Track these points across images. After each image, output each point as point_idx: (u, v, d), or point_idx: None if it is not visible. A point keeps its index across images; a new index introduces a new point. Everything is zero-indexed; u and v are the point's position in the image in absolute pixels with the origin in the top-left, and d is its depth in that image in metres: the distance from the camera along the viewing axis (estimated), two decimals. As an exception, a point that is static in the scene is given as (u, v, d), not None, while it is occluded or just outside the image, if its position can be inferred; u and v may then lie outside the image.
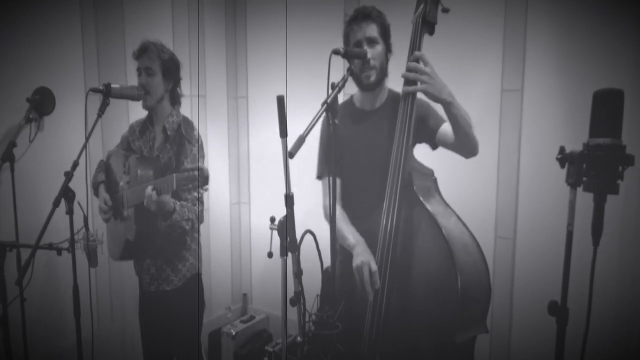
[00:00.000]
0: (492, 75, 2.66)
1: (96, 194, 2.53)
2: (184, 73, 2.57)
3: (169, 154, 2.39)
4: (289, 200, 1.36)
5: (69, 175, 2.08)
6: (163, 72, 2.40)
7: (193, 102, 3.38)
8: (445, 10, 1.72)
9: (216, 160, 3.62)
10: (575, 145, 2.23)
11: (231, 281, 3.91)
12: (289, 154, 1.34)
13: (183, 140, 2.38)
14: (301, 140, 1.41)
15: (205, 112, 3.53)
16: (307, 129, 1.46)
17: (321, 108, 1.55)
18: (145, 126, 2.51)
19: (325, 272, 1.83)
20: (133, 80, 2.54)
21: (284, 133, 1.33)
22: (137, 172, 2.27)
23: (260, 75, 3.63)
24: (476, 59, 2.70)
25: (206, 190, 2.09)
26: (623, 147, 0.92)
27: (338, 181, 1.95)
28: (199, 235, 2.54)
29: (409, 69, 1.69)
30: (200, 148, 2.46)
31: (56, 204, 2.04)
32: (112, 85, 2.21)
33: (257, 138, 3.72)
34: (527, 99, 2.60)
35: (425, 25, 1.71)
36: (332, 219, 1.53)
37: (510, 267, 2.74)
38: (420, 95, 1.90)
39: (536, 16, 2.52)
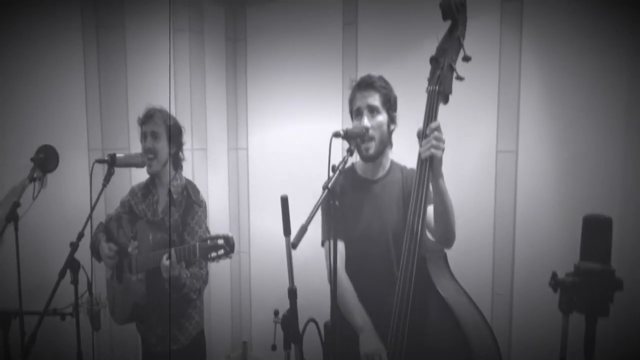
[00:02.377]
0: (488, 136, 2.73)
1: (97, 255, 2.56)
2: (186, 126, 2.61)
3: (174, 217, 2.45)
4: (292, 294, 1.40)
5: (74, 247, 2.12)
6: (168, 136, 2.47)
7: (195, 155, 3.44)
8: (460, 79, 1.71)
9: (216, 210, 3.66)
10: (568, 207, 2.26)
11: (231, 328, 3.91)
12: (292, 245, 1.38)
13: (190, 203, 2.44)
14: (303, 230, 1.45)
15: (206, 164, 3.59)
16: (308, 218, 1.50)
17: (322, 193, 1.60)
18: (147, 189, 2.56)
19: (325, 326, 1.84)
20: (136, 142, 2.60)
21: (287, 231, 1.37)
22: (148, 237, 2.31)
23: (261, 127, 3.70)
24: (472, 121, 2.77)
25: (231, 257, 2.11)
26: (612, 271, 0.97)
27: (342, 244, 1.97)
28: (202, 294, 2.58)
29: (434, 138, 1.64)
30: (204, 210, 2.52)
31: (62, 275, 2.06)
32: (117, 155, 2.26)
33: (257, 188, 3.77)
34: (522, 159, 2.67)
35: (441, 95, 1.70)
36: (333, 280, 1.54)
37: (507, 322, 2.76)
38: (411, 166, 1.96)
39: (529, 80, 2.60)
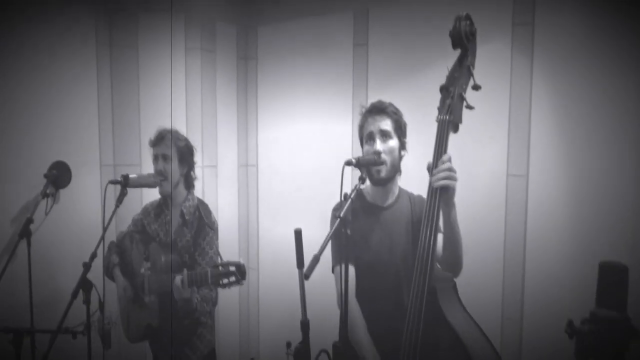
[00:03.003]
0: (498, 160, 2.73)
1: (110, 276, 2.58)
2: (197, 143, 2.63)
3: (187, 237, 2.47)
4: (304, 327, 1.40)
5: (87, 267, 2.14)
6: (179, 158, 2.51)
7: (205, 172, 3.46)
8: (470, 108, 1.71)
9: (226, 226, 3.68)
10: (580, 233, 2.23)
11: (239, 345, 3.91)
12: (304, 276, 1.39)
13: (202, 224, 2.46)
14: (316, 260, 1.46)
15: (216, 181, 3.61)
16: (321, 248, 1.50)
17: (334, 222, 1.61)
18: (161, 209, 2.59)
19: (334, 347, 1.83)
20: (147, 158, 2.63)
21: (300, 264, 1.38)
22: (160, 259, 2.34)
23: (271, 145, 3.72)
24: (482, 144, 2.77)
25: (242, 284, 2.12)
26: (628, 319, 0.97)
27: (352, 270, 1.97)
28: (213, 314, 2.59)
29: (445, 169, 1.64)
30: (216, 231, 2.53)
31: (74, 295, 2.09)
32: (130, 176, 2.29)
33: (267, 204, 3.78)
34: (533, 184, 2.66)
35: (451, 125, 1.70)
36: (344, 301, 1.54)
37: (517, 348, 2.75)
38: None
39: (540, 103, 2.60)
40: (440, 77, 2.83)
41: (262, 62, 3.69)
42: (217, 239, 2.51)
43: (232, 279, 2.06)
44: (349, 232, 1.66)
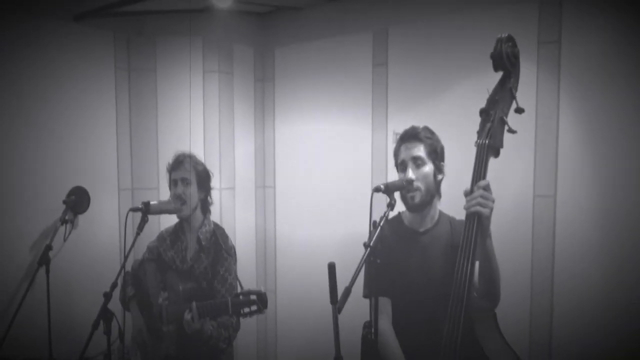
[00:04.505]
0: (524, 180, 2.67)
1: (127, 308, 2.54)
2: (215, 165, 2.61)
3: (204, 264, 2.42)
4: (338, 363, 1.34)
5: (107, 297, 2.10)
6: (198, 182, 2.48)
7: (223, 194, 3.44)
8: (512, 132, 1.66)
9: (244, 249, 3.64)
10: (611, 255, 2.17)
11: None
12: (337, 310, 1.33)
13: (219, 249, 2.42)
14: (347, 293, 1.41)
15: (234, 203, 3.58)
16: (352, 279, 1.46)
17: (365, 251, 1.56)
18: (177, 236, 2.55)
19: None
20: (165, 184, 2.61)
21: (334, 300, 1.33)
22: (178, 287, 2.30)
23: (288, 166, 3.69)
24: (507, 164, 2.70)
25: (264, 313, 2.08)
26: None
27: (387, 301, 1.92)
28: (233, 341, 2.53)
29: (478, 195, 1.61)
30: (234, 256, 2.49)
31: (95, 326, 2.05)
32: (151, 203, 2.26)
33: (285, 228, 3.74)
34: (560, 204, 2.59)
35: (491, 149, 1.65)
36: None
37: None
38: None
39: (567, 123, 2.54)
40: (461, 97, 2.84)
41: (279, 84, 3.67)
42: (235, 264, 2.46)
43: (253, 308, 2.02)
44: (378, 261, 1.60)
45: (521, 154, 2.67)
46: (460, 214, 2.09)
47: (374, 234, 1.58)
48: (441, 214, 2.05)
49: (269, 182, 3.78)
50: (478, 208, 1.59)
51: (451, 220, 2.05)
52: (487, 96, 1.73)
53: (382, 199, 1.90)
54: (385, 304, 1.94)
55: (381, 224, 1.63)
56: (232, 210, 3.57)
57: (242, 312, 2.03)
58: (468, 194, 1.64)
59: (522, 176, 2.67)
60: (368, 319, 2.50)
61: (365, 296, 2.02)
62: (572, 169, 2.55)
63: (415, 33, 2.99)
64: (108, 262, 3.23)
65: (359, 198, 3.28)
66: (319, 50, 3.43)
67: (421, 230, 2.00)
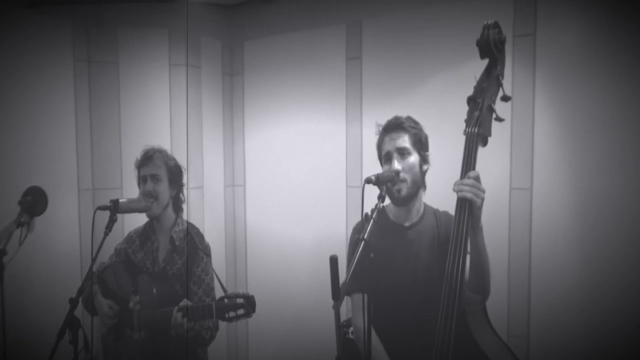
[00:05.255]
0: (501, 173, 2.66)
1: (90, 308, 2.36)
2: (182, 163, 2.50)
3: (177, 265, 2.29)
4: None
5: (74, 303, 1.94)
6: (169, 178, 2.35)
7: (191, 194, 3.29)
8: (500, 120, 1.64)
9: (213, 252, 3.50)
10: (588, 247, 2.17)
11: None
12: (335, 304, 1.25)
13: (195, 249, 2.29)
14: (344, 288, 1.33)
15: (202, 203, 3.44)
16: (347, 273, 1.38)
17: (359, 245, 1.48)
18: (146, 236, 2.40)
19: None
20: (129, 181, 2.46)
21: (336, 295, 1.25)
22: (152, 290, 2.16)
23: (259, 164, 3.59)
24: (484, 158, 2.69)
25: (251, 317, 1.97)
26: None
27: (364, 297, 1.85)
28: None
29: (469, 183, 1.56)
30: (210, 256, 2.37)
31: (61, 335, 1.89)
32: (120, 201, 2.11)
33: (255, 226, 3.62)
34: (537, 197, 2.60)
35: (480, 138, 1.62)
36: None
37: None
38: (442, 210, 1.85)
39: (543, 114, 2.55)
40: (438, 90, 2.81)
41: (248, 78, 3.56)
42: (211, 264, 2.34)
43: (240, 311, 1.91)
44: (372, 255, 1.53)
45: (497, 146, 2.66)
46: (444, 206, 2.07)
47: (367, 226, 1.51)
48: (426, 206, 2.00)
49: (238, 181, 3.66)
50: (469, 195, 1.55)
51: (436, 212, 2.00)
52: (465, 87, 1.71)
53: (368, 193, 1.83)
54: (361, 300, 1.87)
55: (373, 216, 1.56)
56: (201, 210, 3.43)
57: (227, 316, 1.93)
58: (458, 183, 1.59)
59: (498, 169, 2.67)
60: (345, 318, 2.45)
61: (346, 293, 1.95)
62: (548, 160, 2.57)
63: (389, 25, 2.95)
64: (68, 268, 3.03)
65: (334, 194, 3.22)
66: (289, 43, 3.34)
67: (407, 224, 1.94)
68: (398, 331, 1.83)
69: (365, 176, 3.00)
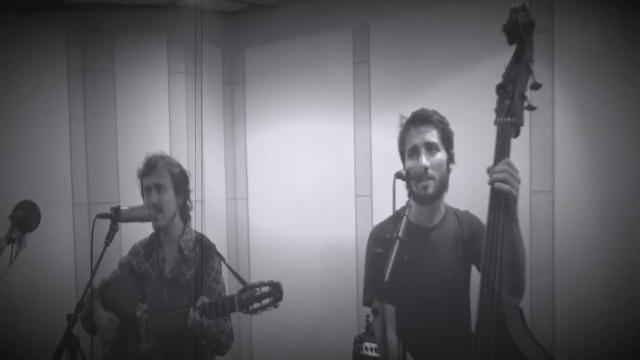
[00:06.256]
0: (521, 176, 2.54)
1: (88, 326, 2.18)
2: None
3: (185, 277, 2.14)
4: None
5: (72, 320, 1.77)
6: (175, 186, 2.21)
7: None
8: (531, 108, 1.53)
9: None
10: (611, 250, 2.01)
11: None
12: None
13: (205, 258, 2.15)
14: (383, 289, 1.19)
15: (203, 217, 3.28)
16: (387, 271, 1.24)
17: (395, 242, 1.34)
18: (152, 247, 2.25)
19: None
20: (126, 195, 2.32)
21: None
22: (162, 296, 2.02)
23: (262, 175, 3.46)
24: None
25: (277, 307, 1.83)
26: None
27: (391, 308, 1.70)
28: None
29: (501, 170, 1.45)
30: (220, 264, 2.21)
31: (58, 356, 1.71)
32: (122, 209, 1.96)
33: (259, 241, 3.47)
34: (559, 200, 2.48)
35: (513, 127, 1.51)
36: None
37: None
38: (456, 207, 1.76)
39: (563, 114, 2.46)
40: (450, 91, 2.71)
41: (250, 87, 3.46)
42: (221, 271, 2.19)
43: (266, 301, 1.78)
44: (405, 257, 1.39)
45: (515, 147, 2.55)
46: (464, 206, 1.95)
47: (401, 224, 1.37)
48: (447, 207, 1.88)
49: (241, 194, 3.52)
50: (503, 185, 1.42)
51: (457, 212, 1.88)
52: (478, 89, 1.61)
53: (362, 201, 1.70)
54: (390, 312, 1.72)
55: (406, 213, 1.42)
56: (202, 225, 3.27)
57: (251, 307, 1.80)
58: (491, 168, 1.46)
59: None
60: (358, 333, 2.29)
61: (365, 303, 1.81)
62: (569, 162, 2.47)
63: (398, 27, 2.87)
64: (62, 287, 2.87)
65: (342, 205, 3.08)
66: (292, 49, 3.25)
67: (429, 226, 1.80)
68: (428, 340, 1.68)
69: (375, 185, 2.98)
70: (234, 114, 3.51)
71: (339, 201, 3.10)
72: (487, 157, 1.74)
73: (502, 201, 1.46)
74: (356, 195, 3.04)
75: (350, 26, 3.00)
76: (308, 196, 3.23)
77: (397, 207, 1.49)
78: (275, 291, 1.81)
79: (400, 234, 1.36)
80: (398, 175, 1.52)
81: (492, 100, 1.68)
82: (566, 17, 2.43)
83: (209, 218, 3.34)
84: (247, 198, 3.50)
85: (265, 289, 1.81)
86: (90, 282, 1.84)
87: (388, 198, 2.92)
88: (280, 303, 1.83)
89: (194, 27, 3.18)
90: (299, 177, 3.27)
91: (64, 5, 2.82)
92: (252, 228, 3.50)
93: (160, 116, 3.12)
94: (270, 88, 3.35)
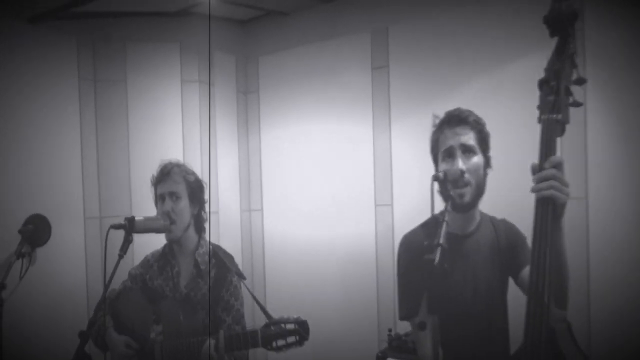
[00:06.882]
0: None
1: (100, 343, 2.08)
2: None
3: (202, 291, 2.04)
4: None
5: (84, 337, 1.67)
6: (189, 195, 2.10)
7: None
8: (577, 104, 1.44)
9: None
10: None
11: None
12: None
13: (223, 272, 2.04)
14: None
15: (218, 230, 3.18)
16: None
17: (435, 250, 1.23)
18: (165, 260, 2.15)
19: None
20: (138, 208, 2.24)
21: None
22: (178, 318, 1.91)
23: (277, 186, 3.36)
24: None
25: (303, 345, 1.75)
26: None
27: (436, 320, 1.59)
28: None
29: (546, 176, 1.31)
30: (239, 278, 2.10)
31: (69, 376, 1.60)
32: (136, 219, 1.86)
33: (275, 254, 3.36)
34: (593, 206, 2.36)
35: (559, 125, 1.40)
36: None
37: None
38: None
39: (595, 115, 2.35)
40: (474, 94, 2.61)
41: (264, 96, 3.38)
42: (241, 287, 2.08)
43: (291, 339, 1.68)
44: (446, 265, 1.28)
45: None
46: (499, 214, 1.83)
47: (442, 230, 1.26)
48: (482, 214, 1.76)
49: (255, 205, 3.42)
50: (552, 192, 1.30)
51: (492, 221, 1.76)
52: (503, 92, 1.50)
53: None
54: (434, 325, 1.60)
55: (445, 219, 1.31)
56: (216, 237, 3.18)
57: (274, 345, 1.69)
58: (537, 170, 1.34)
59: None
60: (379, 348, 2.15)
61: (402, 318, 1.68)
62: (603, 167, 2.35)
63: (418, 30, 2.78)
64: (74, 303, 2.79)
65: (361, 215, 2.97)
66: (308, 56, 3.17)
67: (464, 233, 1.69)
68: (462, 349, 1.55)
69: (396, 193, 2.86)
70: (248, 123, 3.43)
71: (358, 211, 2.99)
72: (520, 159, 1.64)
73: (548, 208, 1.34)
74: (376, 205, 2.93)
75: (368, 30, 2.92)
76: (325, 207, 3.12)
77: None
78: (302, 330, 1.73)
79: (441, 241, 1.24)
80: (436, 178, 1.42)
81: (520, 100, 1.60)
82: (595, 14, 2.33)
83: (223, 230, 3.25)
84: (262, 209, 3.41)
85: (291, 326, 1.74)
86: (103, 297, 1.74)
87: (410, 207, 2.81)
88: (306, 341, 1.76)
89: (207, 35, 3.12)
90: (316, 187, 3.17)
91: (75, 14, 2.76)
92: (267, 240, 3.39)
93: (173, 126, 3.05)
94: (286, 96, 3.27)
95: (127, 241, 1.82)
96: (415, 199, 2.73)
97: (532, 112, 1.47)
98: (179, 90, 3.05)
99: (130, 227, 1.83)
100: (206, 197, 2.20)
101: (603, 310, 2.35)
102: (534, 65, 2.36)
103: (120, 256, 1.79)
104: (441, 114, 1.70)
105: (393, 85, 2.86)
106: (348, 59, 3.00)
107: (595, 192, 2.35)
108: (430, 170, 1.74)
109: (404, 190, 2.84)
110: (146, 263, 2.21)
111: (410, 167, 2.80)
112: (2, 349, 2.29)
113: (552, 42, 1.55)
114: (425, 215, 1.72)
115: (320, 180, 3.16)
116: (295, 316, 1.75)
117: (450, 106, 2.55)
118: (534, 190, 1.33)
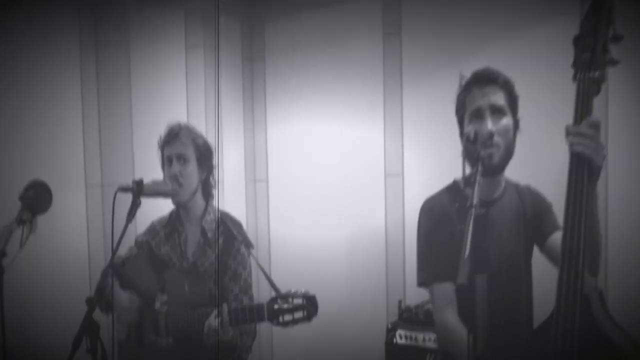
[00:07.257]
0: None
1: (103, 303, 2.02)
2: None
3: (210, 260, 1.98)
4: None
5: (92, 303, 1.61)
6: (198, 158, 2.03)
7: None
8: (614, 63, 1.36)
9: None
10: None
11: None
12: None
13: (230, 239, 1.98)
14: (465, 265, 1.02)
15: (223, 200, 3.12)
16: (465, 248, 1.07)
17: (470, 213, 1.17)
18: (173, 227, 2.09)
19: None
20: (141, 174, 2.17)
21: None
22: (183, 288, 1.87)
23: (283, 156, 3.31)
24: (545, 143, 2.40)
25: (311, 321, 1.69)
26: None
27: (450, 286, 1.54)
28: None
29: (590, 136, 1.25)
30: (247, 246, 2.04)
31: (77, 343, 1.55)
32: (145, 182, 1.78)
33: (280, 225, 3.31)
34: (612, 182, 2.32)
35: (594, 84, 1.33)
36: None
37: None
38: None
39: (616, 90, 2.28)
40: (489, 63, 2.52)
41: (270, 63, 3.29)
42: (249, 255, 2.02)
43: (299, 314, 1.63)
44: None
45: (559, 130, 2.39)
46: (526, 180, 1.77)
47: (474, 190, 1.20)
48: (506, 180, 1.70)
49: (261, 175, 3.36)
50: (586, 150, 1.23)
51: (516, 186, 1.71)
52: (519, 60, 1.44)
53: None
54: (448, 290, 1.55)
55: (477, 179, 1.24)
56: (221, 207, 3.12)
57: (281, 319, 1.65)
58: (571, 131, 1.27)
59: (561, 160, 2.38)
60: (389, 321, 2.10)
61: (420, 284, 1.64)
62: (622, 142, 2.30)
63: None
64: (76, 271, 2.75)
65: (370, 186, 2.92)
66: (316, 22, 3.09)
67: (489, 199, 1.62)
68: (492, 323, 1.51)
69: (407, 163, 2.80)
70: (253, 91, 3.35)
71: (367, 181, 2.93)
72: (550, 121, 1.56)
73: (585, 169, 1.27)
74: (386, 175, 2.87)
75: (379, -7, 2.83)
76: (333, 177, 3.08)
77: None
78: (310, 305, 1.68)
79: (475, 201, 1.17)
80: (466, 137, 1.34)
81: (548, 61, 1.51)
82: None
83: (227, 200, 3.19)
84: (267, 180, 3.34)
85: (299, 300, 1.67)
86: (111, 262, 1.68)
87: (422, 177, 2.72)
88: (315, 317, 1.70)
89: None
90: (324, 157, 3.11)
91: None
92: (272, 211, 3.34)
93: (177, 92, 2.96)
94: (293, 64, 3.19)
95: (135, 205, 1.75)
96: (427, 169, 2.68)
97: (564, 73, 1.40)
98: (183, 55, 2.96)
99: (139, 190, 1.75)
100: (214, 162, 2.13)
101: (620, 298, 2.29)
102: (562, 24, 2.30)
103: (129, 220, 1.72)
104: (468, 74, 1.62)
105: (405, 52, 2.77)
106: (358, 25, 2.94)
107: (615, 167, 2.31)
108: (443, 140, 1.67)
109: (415, 160, 2.79)
110: (152, 229, 2.15)
111: (423, 137, 2.74)
112: (4, 317, 2.25)
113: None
114: (437, 187, 1.68)
115: (329, 150, 3.10)
116: (303, 290, 1.70)
117: (473, 68, 2.48)
118: (570, 141, 1.26)
